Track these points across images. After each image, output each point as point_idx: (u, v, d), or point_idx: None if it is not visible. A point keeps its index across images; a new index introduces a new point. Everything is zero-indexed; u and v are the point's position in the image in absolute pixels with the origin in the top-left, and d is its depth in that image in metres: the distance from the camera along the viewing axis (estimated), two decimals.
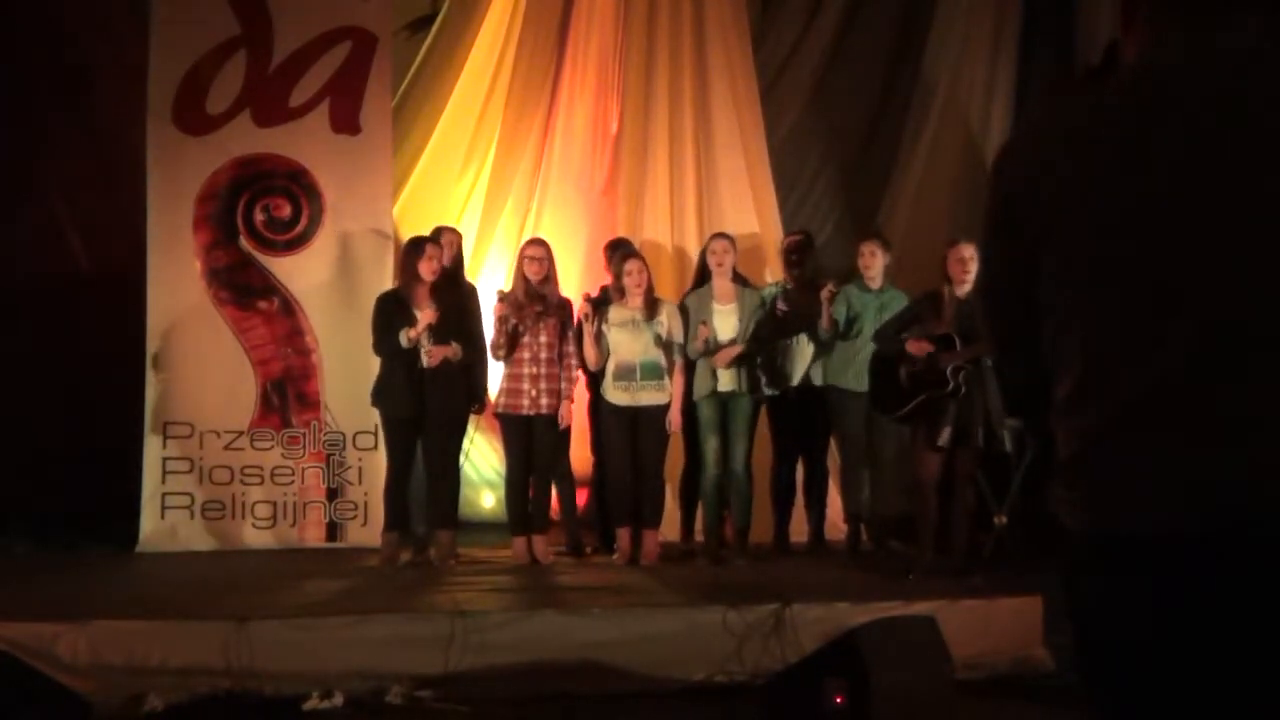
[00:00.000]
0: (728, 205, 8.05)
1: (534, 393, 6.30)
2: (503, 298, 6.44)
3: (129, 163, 7.59)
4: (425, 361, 6.21)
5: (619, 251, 6.73)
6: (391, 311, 6.31)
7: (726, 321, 6.47)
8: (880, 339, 6.26)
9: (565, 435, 6.63)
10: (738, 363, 6.43)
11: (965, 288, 6.06)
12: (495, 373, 6.76)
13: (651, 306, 6.41)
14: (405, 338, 6.19)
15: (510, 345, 6.34)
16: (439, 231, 6.80)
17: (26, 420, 8.12)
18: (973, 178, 9.35)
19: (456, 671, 4.63)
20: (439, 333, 6.21)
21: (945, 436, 5.92)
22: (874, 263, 6.76)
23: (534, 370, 6.31)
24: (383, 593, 5.58)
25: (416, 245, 6.43)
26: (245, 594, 5.35)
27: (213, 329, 7.13)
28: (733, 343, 6.42)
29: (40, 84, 8.45)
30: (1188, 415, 1.47)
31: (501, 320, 6.37)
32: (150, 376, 7.05)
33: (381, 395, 6.39)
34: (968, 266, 6.04)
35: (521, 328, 6.32)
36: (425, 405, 6.26)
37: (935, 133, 9.31)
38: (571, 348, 6.39)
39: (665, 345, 6.39)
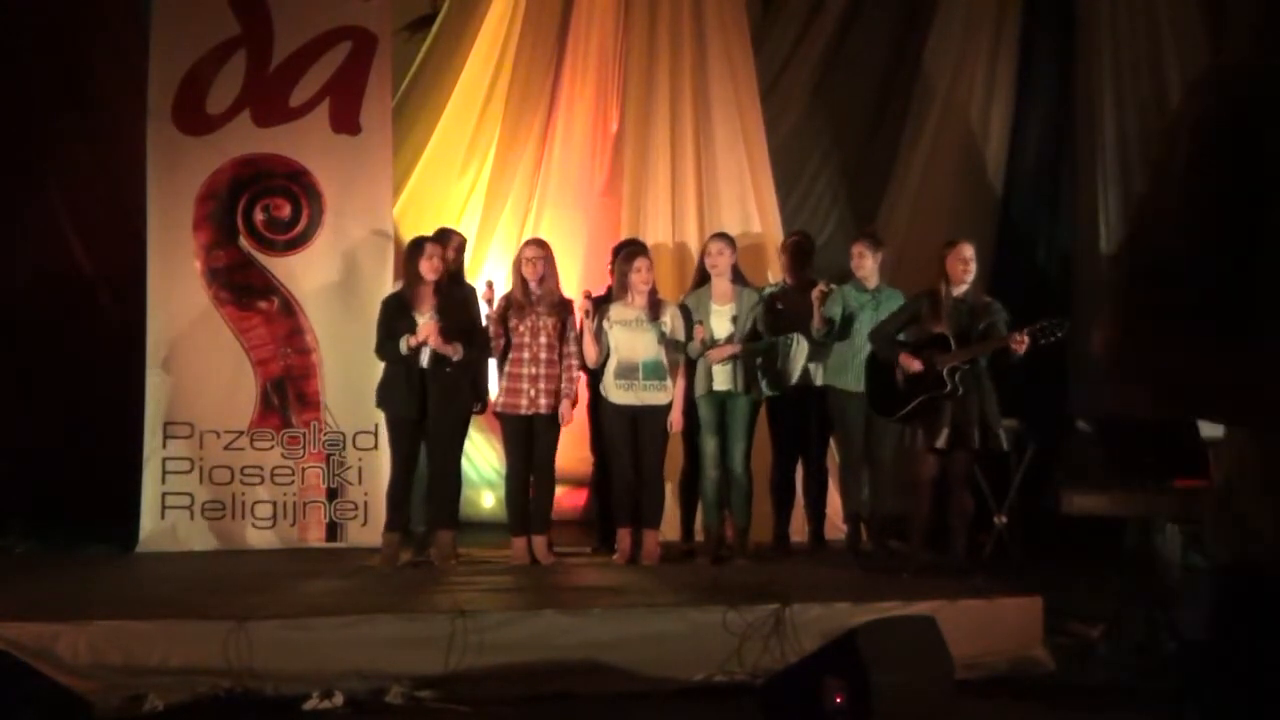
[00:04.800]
0: (728, 205, 8.05)
1: (532, 393, 6.30)
2: (490, 285, 6.54)
3: (129, 163, 7.58)
4: (427, 363, 6.22)
5: (626, 250, 6.72)
6: (393, 315, 6.33)
7: (723, 321, 6.48)
8: (877, 341, 6.26)
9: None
10: (734, 362, 6.44)
11: (963, 287, 6.07)
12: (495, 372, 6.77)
13: (655, 306, 6.41)
14: (405, 344, 6.20)
15: (505, 343, 6.36)
16: (442, 232, 6.81)
17: (27, 420, 8.12)
18: (973, 178, 9.37)
19: (456, 671, 4.64)
20: (444, 334, 6.22)
21: (943, 438, 5.93)
22: (863, 264, 6.76)
23: (533, 370, 6.31)
24: (383, 593, 5.58)
25: (416, 245, 6.45)
26: (245, 594, 5.35)
27: (213, 329, 7.13)
28: (729, 342, 6.43)
29: (40, 84, 8.45)
30: None
31: (497, 317, 6.40)
32: (150, 376, 7.04)
33: (385, 396, 6.40)
34: (969, 267, 6.05)
35: (521, 328, 6.33)
36: (427, 406, 6.27)
37: (935, 133, 9.32)
38: (572, 348, 6.39)
39: (669, 345, 6.39)
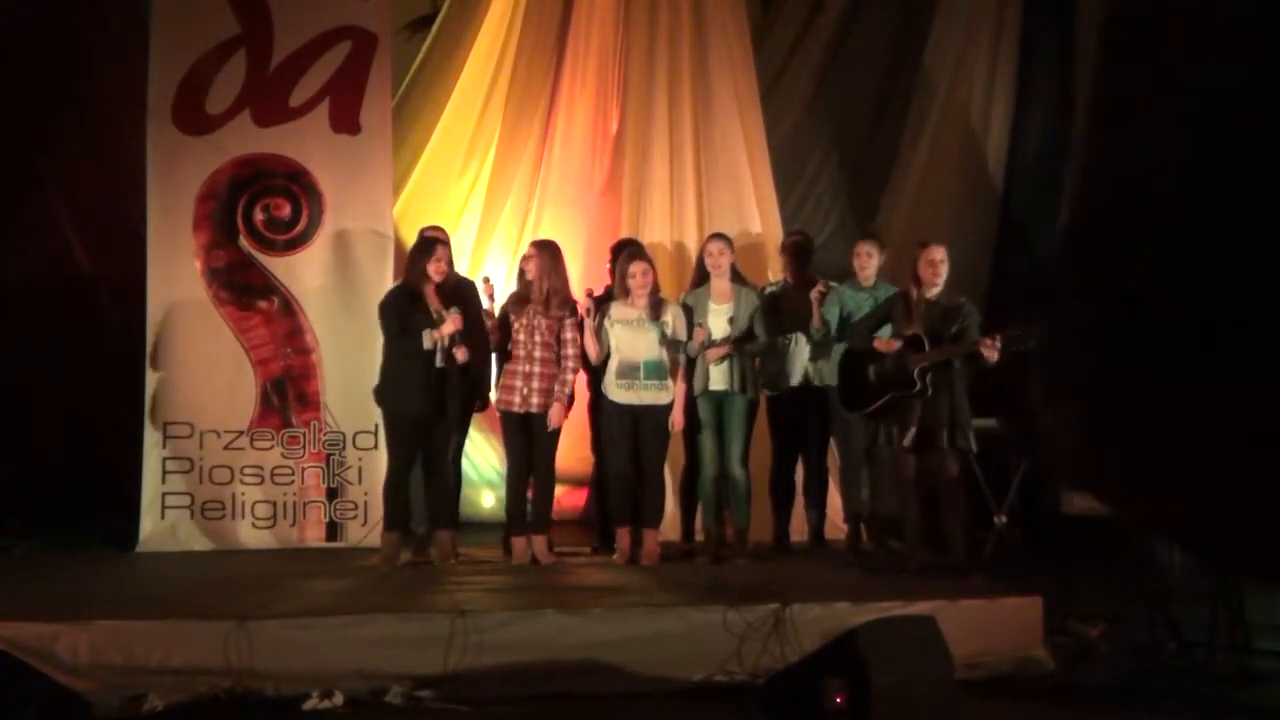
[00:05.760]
0: (728, 205, 8.05)
1: (525, 390, 6.30)
2: (488, 281, 6.55)
3: (129, 163, 7.59)
4: (442, 360, 6.21)
5: (625, 252, 6.72)
6: (406, 309, 6.28)
7: (720, 321, 6.47)
8: (852, 337, 6.30)
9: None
10: (731, 362, 6.43)
11: (935, 290, 6.08)
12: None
13: (657, 306, 6.41)
14: (429, 338, 6.18)
15: (504, 340, 6.36)
16: (436, 232, 6.82)
17: (26, 420, 8.13)
18: (973, 178, 9.37)
19: (456, 671, 4.63)
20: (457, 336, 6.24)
21: (910, 437, 5.94)
22: (869, 264, 6.78)
23: (527, 369, 6.31)
24: (383, 593, 5.58)
25: (428, 246, 6.45)
26: (245, 594, 5.34)
27: (213, 329, 7.13)
28: (726, 341, 6.43)
29: (41, 85, 8.45)
30: None
31: (499, 315, 6.40)
32: (150, 376, 7.05)
33: (391, 393, 6.35)
34: (938, 269, 6.07)
35: (517, 325, 6.33)
36: (440, 405, 6.27)
37: (935, 133, 9.33)
38: (570, 351, 6.37)
39: (670, 345, 6.38)
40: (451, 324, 6.19)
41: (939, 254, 6.08)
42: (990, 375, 5.98)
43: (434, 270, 6.31)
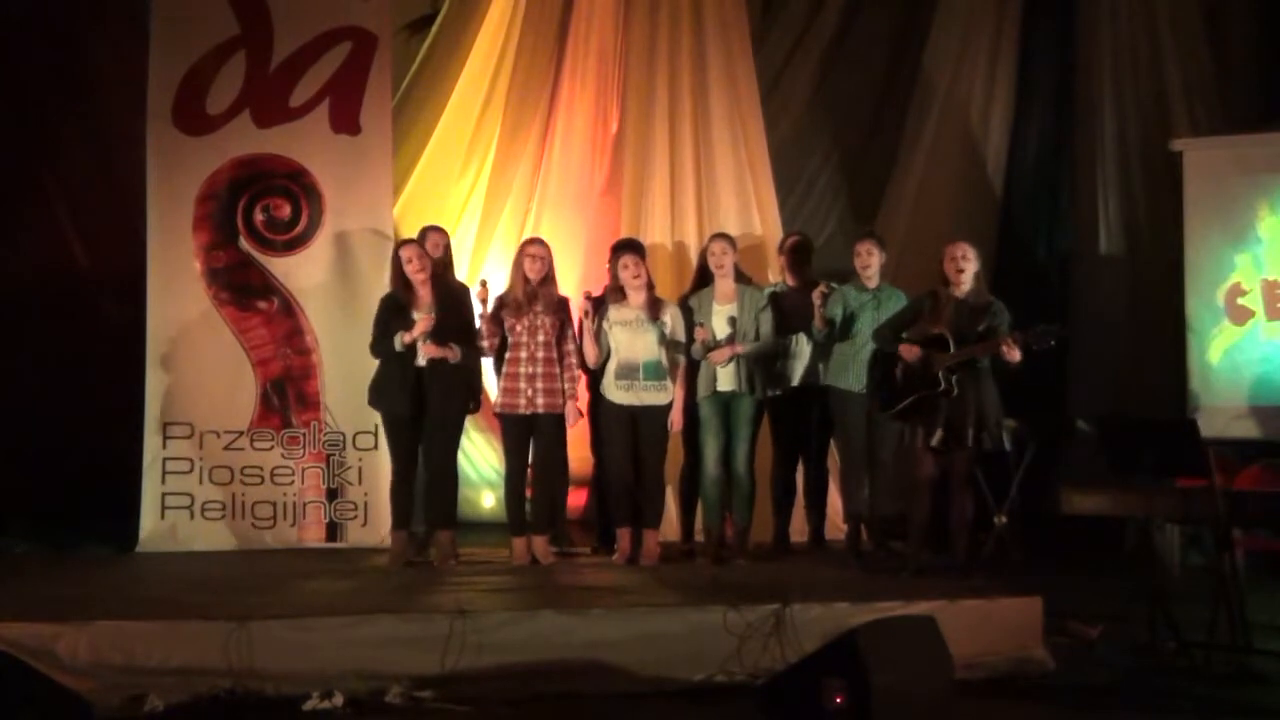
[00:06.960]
0: (728, 205, 8.04)
1: (530, 392, 6.30)
2: (484, 285, 6.48)
3: (129, 163, 7.58)
4: (421, 360, 6.23)
5: (617, 250, 6.73)
6: (389, 315, 6.34)
7: (726, 321, 6.47)
8: (879, 338, 6.28)
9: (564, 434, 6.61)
10: (739, 363, 6.43)
11: (963, 288, 6.06)
12: (492, 371, 6.76)
13: (655, 306, 6.41)
14: (399, 341, 6.21)
15: (501, 343, 6.36)
16: (425, 233, 6.83)
17: (27, 420, 8.13)
18: (973, 178, 9.38)
19: (456, 671, 4.64)
20: (438, 334, 6.23)
21: (938, 437, 5.93)
22: (871, 262, 6.76)
23: (530, 370, 6.31)
24: (383, 593, 5.58)
25: (396, 249, 6.50)
26: (245, 594, 5.34)
27: (213, 329, 7.13)
28: (730, 340, 6.42)
29: (41, 85, 8.45)
30: None
31: (491, 317, 6.39)
32: (150, 377, 7.04)
33: (379, 394, 6.42)
34: (961, 266, 6.04)
35: (519, 327, 6.32)
36: (424, 404, 6.28)
37: (935, 133, 9.33)
38: (571, 346, 6.38)
39: (669, 345, 6.38)
40: (421, 325, 6.21)
41: (960, 250, 6.05)
42: (1010, 374, 5.96)
43: (410, 271, 6.33)
